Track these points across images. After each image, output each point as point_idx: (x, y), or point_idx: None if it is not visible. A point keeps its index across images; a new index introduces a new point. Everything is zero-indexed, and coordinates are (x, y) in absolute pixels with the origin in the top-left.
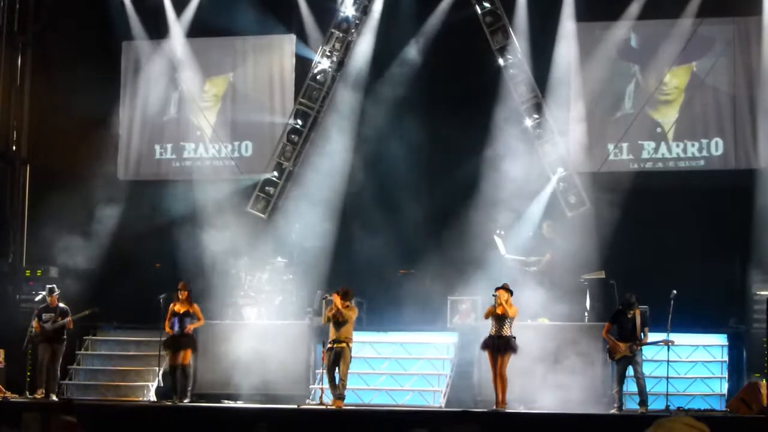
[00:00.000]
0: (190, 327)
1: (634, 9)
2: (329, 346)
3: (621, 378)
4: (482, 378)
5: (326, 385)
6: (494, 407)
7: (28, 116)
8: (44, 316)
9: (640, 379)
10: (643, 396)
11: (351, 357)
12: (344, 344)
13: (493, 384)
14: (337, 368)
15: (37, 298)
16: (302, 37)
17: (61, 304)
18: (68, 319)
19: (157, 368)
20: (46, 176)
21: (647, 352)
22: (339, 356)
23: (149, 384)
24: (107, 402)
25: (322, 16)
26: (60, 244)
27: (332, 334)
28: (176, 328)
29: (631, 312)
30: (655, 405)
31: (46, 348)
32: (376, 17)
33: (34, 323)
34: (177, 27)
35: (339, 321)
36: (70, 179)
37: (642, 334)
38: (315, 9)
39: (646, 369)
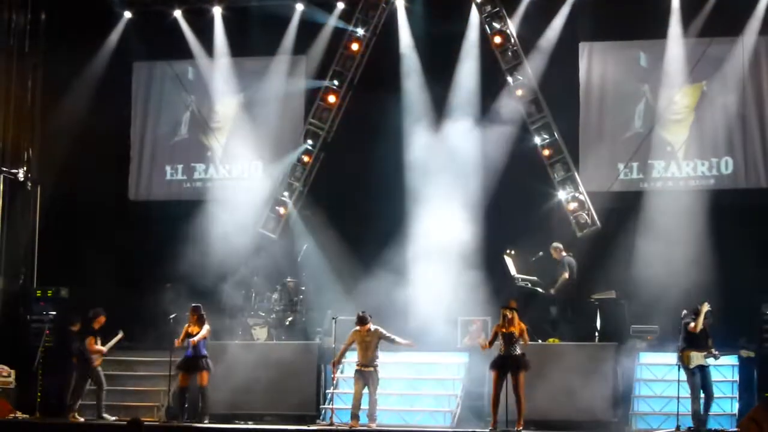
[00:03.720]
0: (193, 341)
1: (644, 29)
2: (357, 368)
3: (698, 391)
4: None
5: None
6: (492, 426)
7: (39, 137)
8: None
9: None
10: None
11: (378, 379)
12: (371, 368)
13: (492, 403)
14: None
15: (47, 319)
16: (313, 57)
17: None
18: (118, 338)
19: (167, 388)
20: (57, 197)
21: (658, 371)
22: (368, 380)
23: (159, 404)
24: (117, 422)
25: (332, 35)
26: (70, 264)
27: (360, 357)
28: (189, 349)
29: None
30: (666, 425)
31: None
32: (386, 36)
33: (90, 344)
34: (190, 48)
35: (365, 345)
36: (81, 200)
37: (710, 340)
38: (325, 29)
39: (657, 388)
